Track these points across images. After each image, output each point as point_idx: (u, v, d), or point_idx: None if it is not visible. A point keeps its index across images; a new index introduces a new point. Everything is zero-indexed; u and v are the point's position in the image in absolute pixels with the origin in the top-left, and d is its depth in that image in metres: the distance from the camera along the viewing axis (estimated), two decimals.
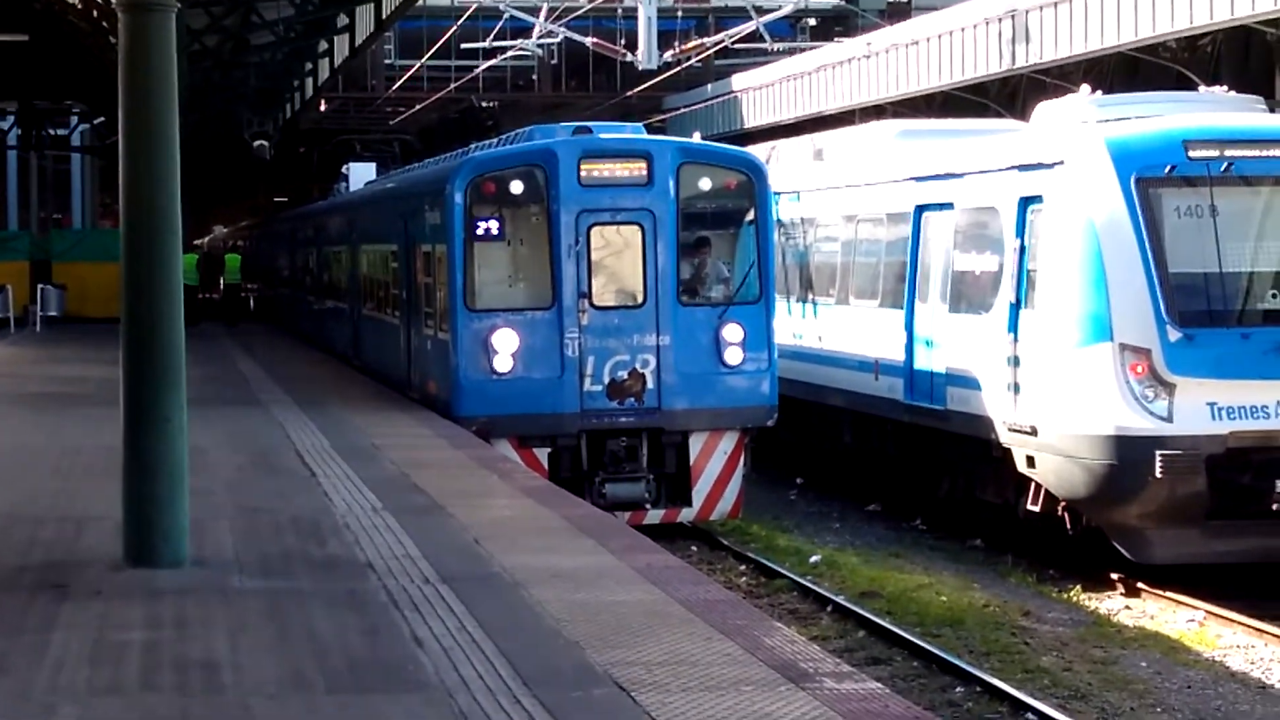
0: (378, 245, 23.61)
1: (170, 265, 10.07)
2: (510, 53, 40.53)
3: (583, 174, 16.68)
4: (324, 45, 32.52)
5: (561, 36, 38.61)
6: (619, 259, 17.24)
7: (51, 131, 41.54)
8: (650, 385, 16.77)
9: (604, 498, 16.50)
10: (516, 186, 16.90)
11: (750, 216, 17.47)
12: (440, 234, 17.69)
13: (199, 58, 28.94)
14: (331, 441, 16.49)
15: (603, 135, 17.88)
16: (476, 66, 41.54)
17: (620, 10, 40.86)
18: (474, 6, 38.76)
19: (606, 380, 16.74)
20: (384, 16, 27.66)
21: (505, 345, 16.55)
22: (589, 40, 38.67)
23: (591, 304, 16.91)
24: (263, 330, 38.30)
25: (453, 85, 43.39)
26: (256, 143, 38.74)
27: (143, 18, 9.90)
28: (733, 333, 16.83)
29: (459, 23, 39.75)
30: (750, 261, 17.41)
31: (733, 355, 16.83)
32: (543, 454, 16.69)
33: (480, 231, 16.89)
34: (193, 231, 38.62)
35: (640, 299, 16.95)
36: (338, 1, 27.42)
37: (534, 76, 46.44)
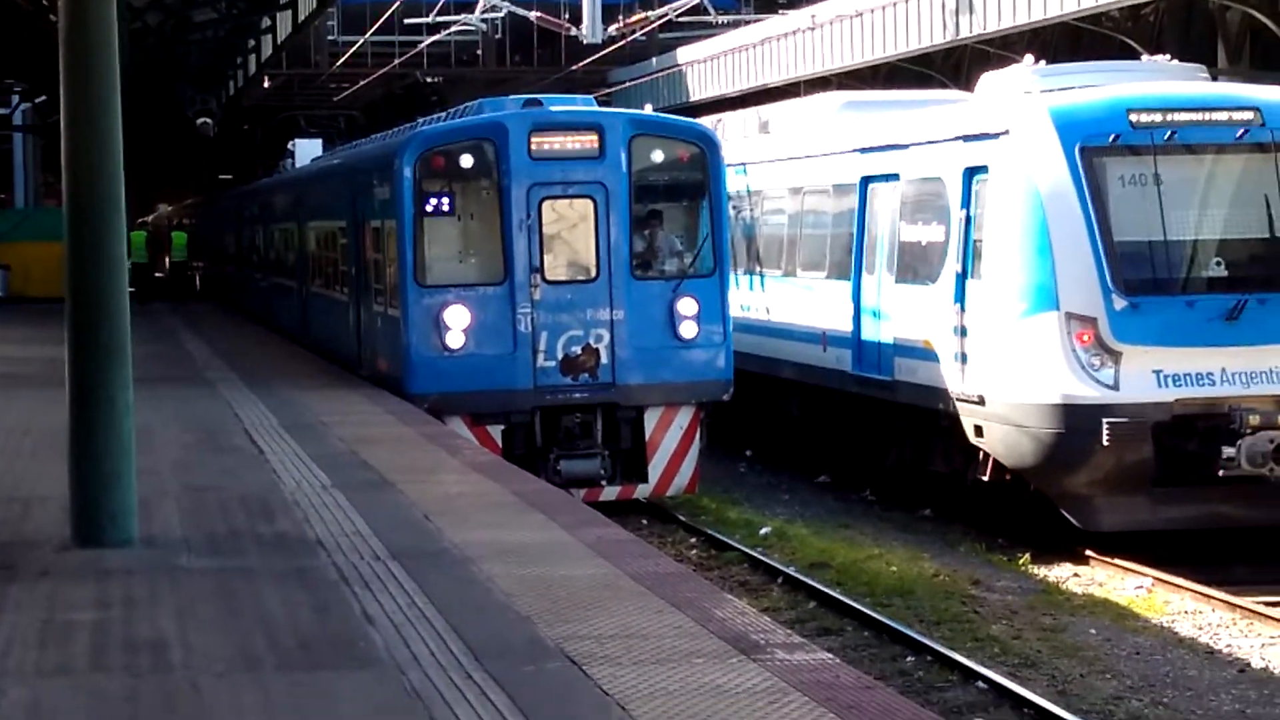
0: (325, 222, 23.56)
1: (114, 243, 10.02)
2: (454, 28, 40.72)
3: (533, 147, 16.45)
4: (266, 22, 32.40)
5: (505, 11, 39.02)
6: (571, 233, 17.05)
7: None
8: (604, 360, 16.62)
9: (559, 474, 16.37)
10: (466, 160, 16.66)
11: (704, 189, 17.28)
12: (390, 209, 17.50)
13: (140, 35, 28.83)
14: (280, 419, 16.37)
15: (553, 108, 17.69)
16: (420, 42, 41.70)
17: None
18: None
19: (560, 356, 16.58)
20: None
21: (457, 321, 16.36)
22: (533, 14, 38.71)
23: (544, 279, 16.72)
24: (210, 308, 38.44)
25: (397, 61, 43.53)
26: (200, 120, 38.72)
27: None
28: (687, 306, 16.70)
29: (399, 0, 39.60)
30: (705, 234, 17.27)
31: (687, 329, 16.75)
32: (496, 431, 16.56)
33: (430, 207, 16.70)
34: (137, 210, 38.83)
35: (593, 273, 16.80)
36: None
37: (478, 51, 46.43)
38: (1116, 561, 15.99)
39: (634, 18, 38.23)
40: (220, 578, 9.31)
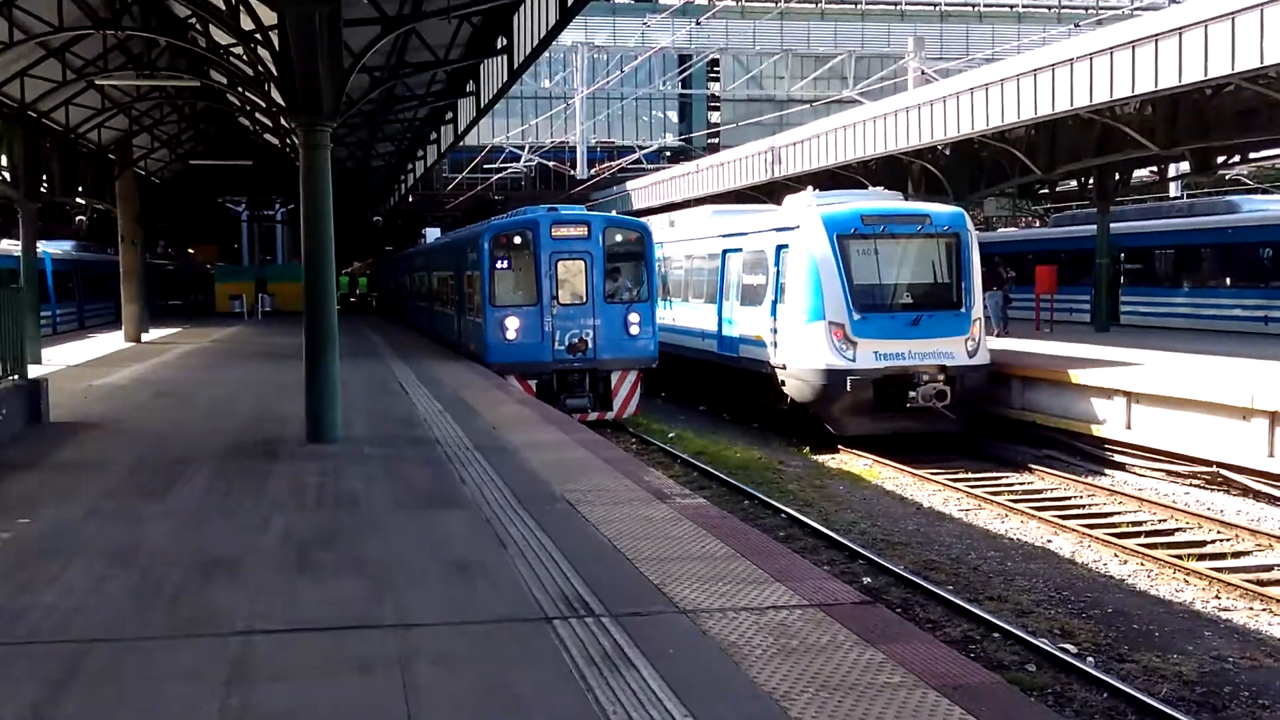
0: (443, 271, 29.47)
1: (328, 282, 12.73)
2: (508, 170, 56.81)
3: (553, 232, 21.69)
4: (410, 165, 43.20)
5: (536, 161, 56.44)
6: (573, 278, 21.87)
7: (265, 211, 57.20)
8: (590, 346, 21.75)
9: (566, 406, 20.98)
10: (517, 239, 21.95)
11: (642, 255, 22.19)
12: (477, 265, 22.48)
13: (343, 170, 39.76)
14: (416, 376, 20.50)
15: (563, 211, 22.51)
16: (491, 178, 57.15)
17: (568, 146, 56.56)
18: (489, 145, 53.94)
19: (566, 344, 21.66)
20: (441, 151, 35.39)
21: (512, 325, 21.61)
22: (551, 164, 56.89)
23: (558, 303, 21.78)
24: (381, 319, 48.67)
25: (479, 188, 58.63)
26: (375, 217, 55.19)
27: (312, 151, 12.94)
28: (634, 318, 21.87)
29: (483, 154, 54.78)
30: (643, 280, 22.14)
31: (634, 329, 21.87)
32: (533, 383, 21.37)
33: (499, 264, 21.98)
34: (341, 264, 55.58)
35: (585, 300, 21.80)
36: (419, 141, 35.12)
37: (522, 182, 60.04)
38: (854, 451, 20.21)
39: (603, 165, 53.60)
40: (385, 459, 11.30)
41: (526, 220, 22.23)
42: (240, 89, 22.56)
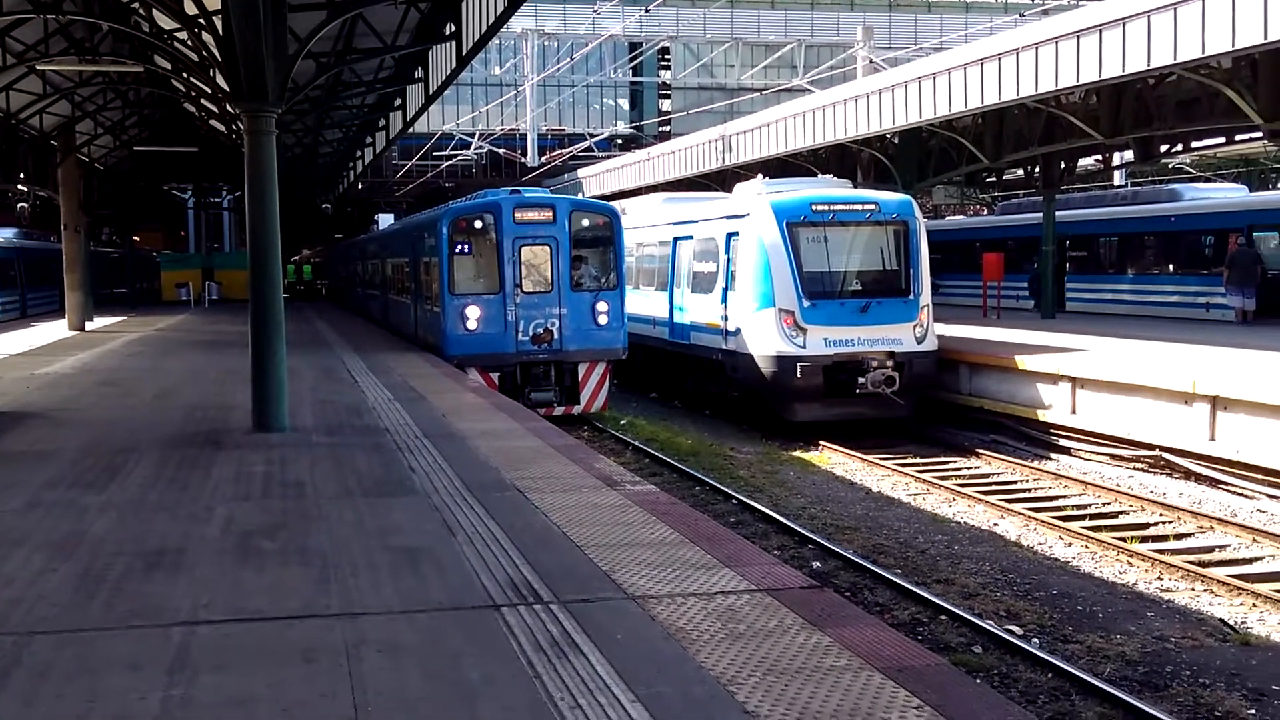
0: (397, 258, 28.10)
1: (274, 270, 12.73)
2: (459, 157, 56.54)
3: (516, 216, 20.70)
4: (359, 153, 43.05)
5: (487, 149, 55.77)
6: (538, 265, 20.86)
7: (211, 198, 57.48)
8: (556, 336, 20.76)
9: (530, 400, 20.12)
10: (478, 224, 20.86)
11: (611, 241, 21.17)
12: (435, 251, 21.36)
13: (290, 158, 39.44)
14: (367, 365, 20.52)
15: (526, 194, 21.62)
16: (441, 165, 56.96)
17: (518, 134, 56.32)
18: (439, 133, 53.81)
19: (531, 334, 20.67)
20: (390, 138, 35.16)
21: (473, 314, 20.53)
22: (502, 151, 56.06)
23: (521, 291, 20.72)
24: (329, 306, 49.33)
25: (429, 174, 58.65)
26: (323, 205, 55.00)
27: (257, 137, 12.85)
28: (602, 307, 20.94)
29: (432, 141, 54.48)
30: (612, 267, 21.19)
31: (602, 319, 20.94)
32: (495, 376, 20.49)
33: (458, 250, 20.83)
34: (288, 253, 56.10)
35: (550, 288, 20.82)
36: (368, 128, 34.96)
37: (472, 170, 60.07)
38: (804, 437, 20.51)
39: (554, 153, 53.34)
40: (333, 447, 11.31)
41: (488, 203, 21.32)
42: (185, 74, 22.33)
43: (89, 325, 32.56)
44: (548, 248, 20.91)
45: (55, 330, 31.87)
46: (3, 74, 24.05)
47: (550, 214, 20.93)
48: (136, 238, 66.23)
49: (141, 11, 19.99)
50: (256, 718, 4.85)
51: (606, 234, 21.38)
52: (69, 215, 31.31)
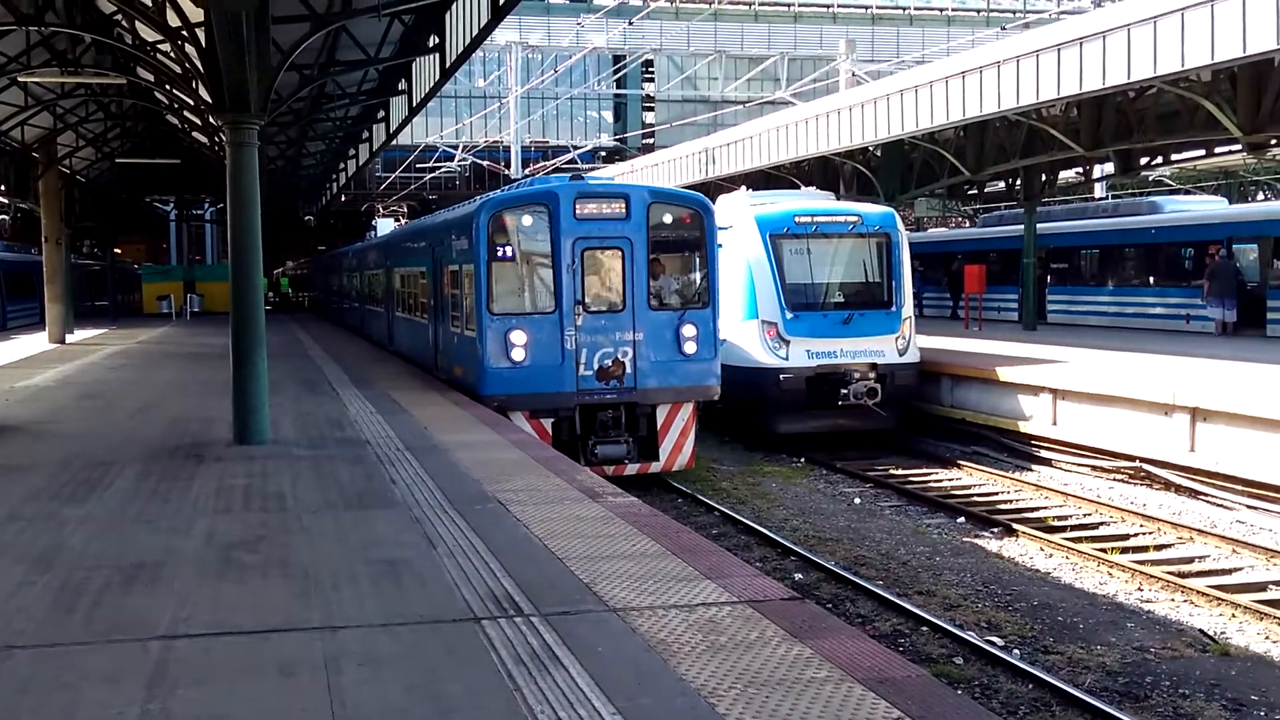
0: (408, 267, 23.44)
1: (256, 282, 12.73)
2: (442, 169, 57.21)
3: (577, 210, 16.28)
4: (342, 165, 43.31)
5: (470, 161, 56.68)
6: (606, 275, 16.69)
7: (194, 211, 58.02)
8: (629, 370, 16.47)
9: (595, 456, 16.20)
10: (526, 219, 16.40)
11: (700, 243, 16.97)
12: (468, 256, 16.89)
13: (273, 170, 39.30)
14: (348, 376, 20.38)
15: (591, 181, 17.82)
16: (425, 177, 57.97)
17: (501, 146, 56.65)
18: (423, 144, 55.05)
19: (596, 367, 16.42)
20: (373, 150, 35.41)
21: (519, 341, 16.19)
22: (485, 162, 56.94)
23: (584, 310, 16.39)
24: (311, 318, 49.62)
25: (413, 186, 59.87)
26: (306, 216, 55.67)
27: (239, 150, 12.76)
28: (689, 331, 16.70)
29: (416, 153, 55.45)
30: (703, 277, 17.00)
31: (689, 346, 16.71)
32: (548, 423, 16.28)
33: (499, 255, 16.42)
34: (270, 265, 56.09)
35: (621, 305, 16.56)
36: (351, 140, 35.07)
37: (456, 181, 61.02)
38: (787, 449, 20.64)
39: (538, 165, 53.50)
40: (315, 460, 11.24)
41: (541, 192, 16.74)
42: (167, 86, 22.35)
43: (70, 338, 32.55)
44: (619, 252, 16.61)
45: (35, 343, 31.85)
46: None
47: (622, 207, 16.56)
48: (118, 250, 66.16)
49: (124, 24, 20.03)
50: None
51: (695, 233, 17.05)
52: (50, 227, 31.22)
